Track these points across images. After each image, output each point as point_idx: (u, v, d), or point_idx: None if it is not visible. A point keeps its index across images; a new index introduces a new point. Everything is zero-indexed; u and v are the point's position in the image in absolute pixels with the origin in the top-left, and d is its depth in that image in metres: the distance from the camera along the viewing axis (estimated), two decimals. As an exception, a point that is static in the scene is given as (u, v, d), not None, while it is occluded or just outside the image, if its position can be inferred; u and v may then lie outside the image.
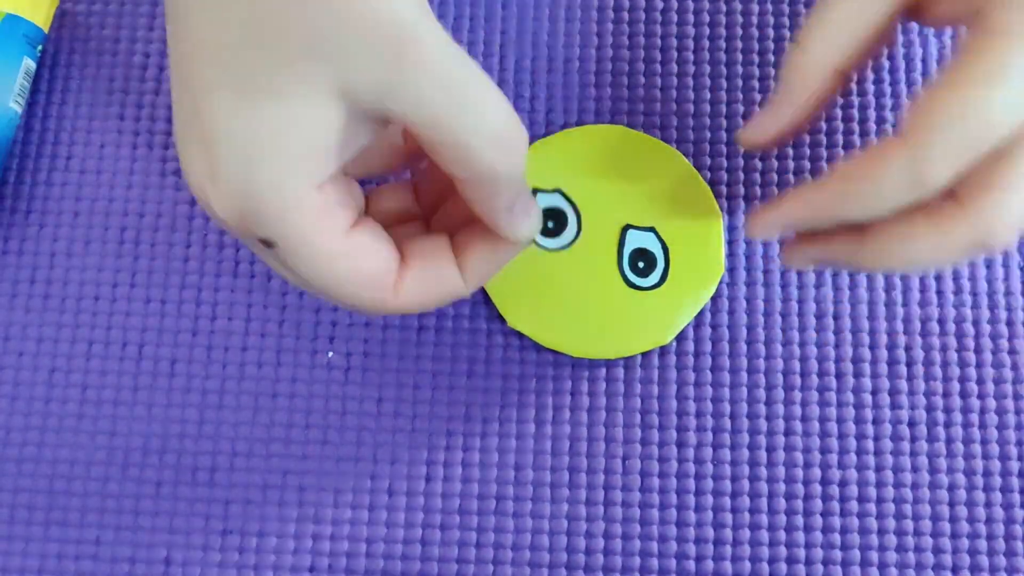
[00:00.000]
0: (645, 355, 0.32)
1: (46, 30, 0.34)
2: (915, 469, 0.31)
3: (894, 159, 0.21)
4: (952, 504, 0.30)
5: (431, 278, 0.23)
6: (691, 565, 0.30)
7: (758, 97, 0.34)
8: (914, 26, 0.35)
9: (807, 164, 0.33)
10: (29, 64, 0.33)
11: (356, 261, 0.22)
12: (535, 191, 0.32)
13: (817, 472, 0.31)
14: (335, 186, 0.21)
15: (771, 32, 0.35)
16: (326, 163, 0.20)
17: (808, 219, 0.24)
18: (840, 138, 0.34)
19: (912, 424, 0.31)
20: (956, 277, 0.32)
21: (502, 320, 0.32)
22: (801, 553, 0.30)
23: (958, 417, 0.31)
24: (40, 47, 0.34)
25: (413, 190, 0.27)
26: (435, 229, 0.26)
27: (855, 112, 0.34)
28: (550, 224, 0.32)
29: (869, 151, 0.22)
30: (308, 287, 0.23)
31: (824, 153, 0.34)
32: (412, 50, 0.19)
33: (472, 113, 0.20)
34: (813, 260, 0.26)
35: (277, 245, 0.21)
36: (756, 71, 0.34)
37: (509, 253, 0.24)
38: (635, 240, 0.32)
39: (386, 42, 0.19)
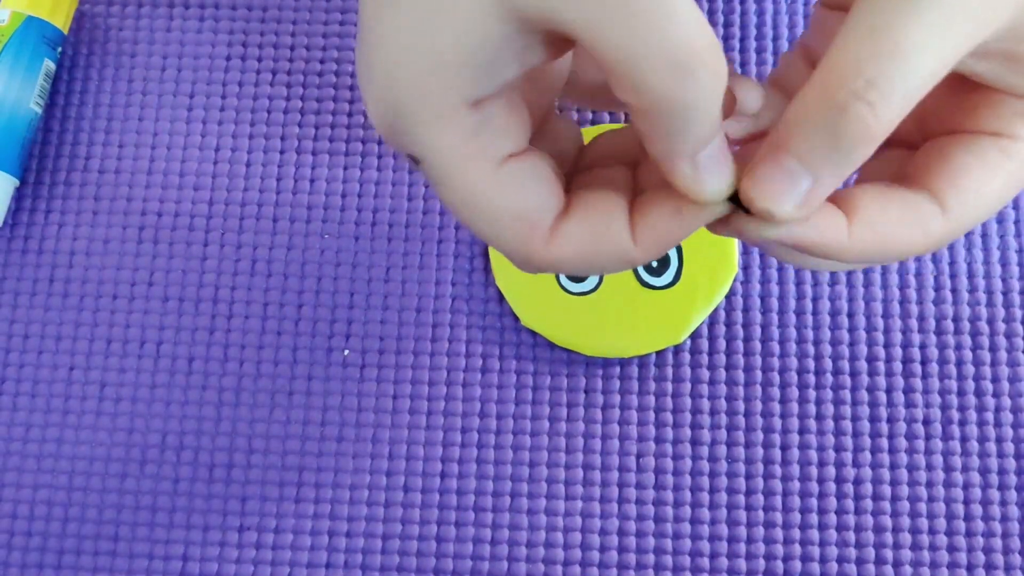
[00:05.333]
0: (659, 354, 0.32)
1: (66, 32, 0.34)
2: (930, 468, 0.31)
3: (936, 233, 0.20)
4: (967, 503, 0.30)
5: (590, 232, 0.19)
6: (705, 563, 0.30)
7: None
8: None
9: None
10: (49, 65, 0.34)
11: (503, 198, 0.19)
12: None
13: (831, 471, 0.31)
14: (495, 108, 0.19)
15: (785, 32, 0.35)
16: (482, 77, 0.18)
17: None
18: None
19: (927, 423, 0.31)
20: (971, 275, 0.32)
21: (516, 319, 0.32)
22: (816, 551, 0.30)
23: (973, 416, 0.31)
24: (59, 49, 0.34)
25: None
26: (640, 181, 0.22)
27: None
28: None
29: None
30: (457, 216, 0.20)
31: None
32: None
33: (644, 20, 0.16)
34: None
35: (423, 163, 0.18)
36: (771, 71, 0.34)
37: (693, 219, 0.19)
38: (649, 239, 0.32)
39: None
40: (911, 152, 0.23)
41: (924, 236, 0.20)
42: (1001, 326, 0.32)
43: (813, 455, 0.31)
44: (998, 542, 0.30)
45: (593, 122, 0.34)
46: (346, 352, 0.32)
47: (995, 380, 0.31)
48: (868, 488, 0.30)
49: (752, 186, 0.18)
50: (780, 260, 0.22)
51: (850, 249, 0.19)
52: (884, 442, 0.31)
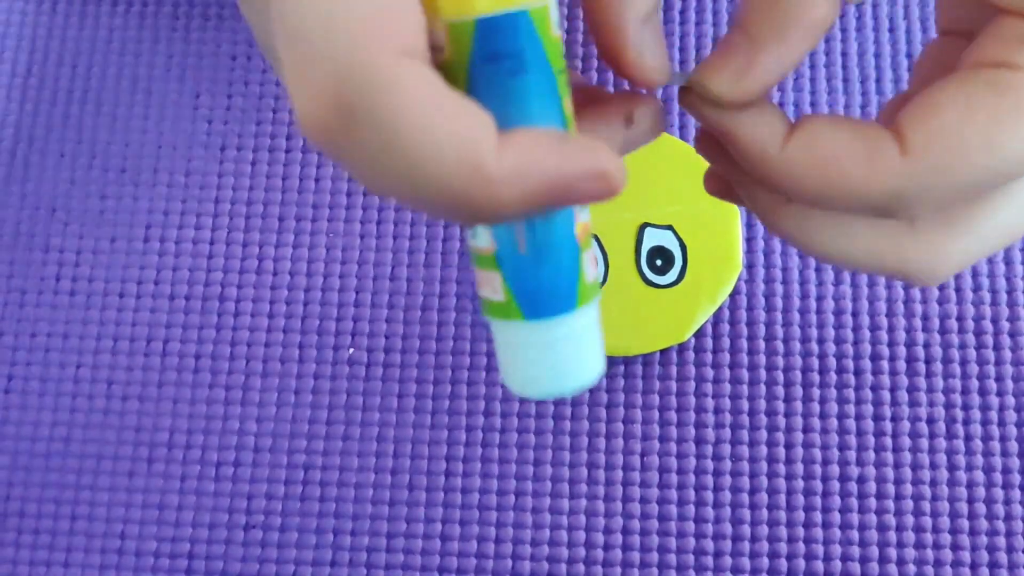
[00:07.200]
0: (663, 352, 0.32)
1: None
2: (934, 466, 0.31)
3: (889, 171, 0.17)
4: (971, 501, 0.30)
5: (535, 135, 0.15)
6: (709, 561, 0.30)
7: (776, 96, 0.34)
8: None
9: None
10: None
11: (450, 120, 0.14)
12: None
13: (835, 469, 0.31)
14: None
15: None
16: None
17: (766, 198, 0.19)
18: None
19: (931, 421, 0.31)
20: (975, 275, 0.32)
21: (521, 317, 0.32)
22: (819, 550, 0.30)
23: (977, 415, 0.31)
24: None
25: None
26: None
27: (873, 111, 0.34)
28: None
29: (858, 135, 0.17)
30: (390, 176, 0.15)
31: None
32: None
33: None
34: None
35: (369, 125, 0.14)
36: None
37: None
38: (653, 238, 0.32)
39: None
40: None
41: (870, 171, 0.17)
42: (1005, 325, 0.32)
43: (817, 454, 0.31)
44: (1002, 540, 0.30)
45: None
46: (351, 350, 0.32)
47: (999, 379, 0.31)
48: (872, 487, 0.30)
49: (700, 67, 0.17)
50: (787, 237, 0.19)
51: (780, 162, 0.17)
52: (888, 441, 0.31)
